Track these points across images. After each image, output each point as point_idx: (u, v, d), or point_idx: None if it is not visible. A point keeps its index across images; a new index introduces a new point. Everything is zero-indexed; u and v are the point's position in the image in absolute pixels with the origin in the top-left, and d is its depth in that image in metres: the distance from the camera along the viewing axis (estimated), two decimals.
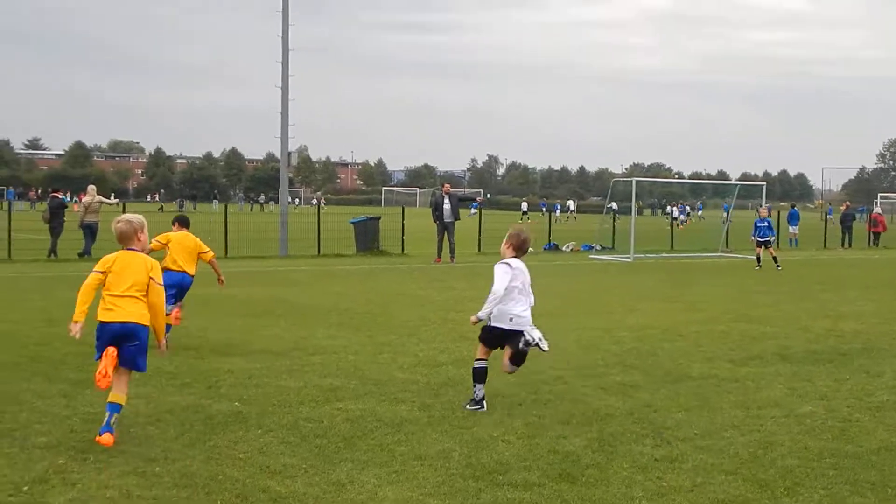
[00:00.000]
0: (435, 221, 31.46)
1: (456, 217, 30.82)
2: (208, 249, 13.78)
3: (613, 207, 46.08)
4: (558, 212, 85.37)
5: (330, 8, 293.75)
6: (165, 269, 12.06)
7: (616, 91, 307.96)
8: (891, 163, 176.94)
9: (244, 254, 32.03)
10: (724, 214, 44.99)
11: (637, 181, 37.32)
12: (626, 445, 8.15)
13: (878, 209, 52.58)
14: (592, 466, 7.54)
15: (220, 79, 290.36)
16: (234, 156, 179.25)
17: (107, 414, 8.02)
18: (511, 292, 9.66)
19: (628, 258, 32.55)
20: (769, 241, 28.75)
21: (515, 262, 9.82)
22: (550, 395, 10.14)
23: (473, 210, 76.94)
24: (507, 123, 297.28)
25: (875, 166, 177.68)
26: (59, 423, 8.60)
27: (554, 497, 6.81)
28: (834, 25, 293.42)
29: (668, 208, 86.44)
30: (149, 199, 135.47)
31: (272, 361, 11.87)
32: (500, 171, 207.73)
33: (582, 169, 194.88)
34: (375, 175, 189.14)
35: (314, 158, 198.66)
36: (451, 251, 30.45)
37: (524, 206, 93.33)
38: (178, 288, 13.18)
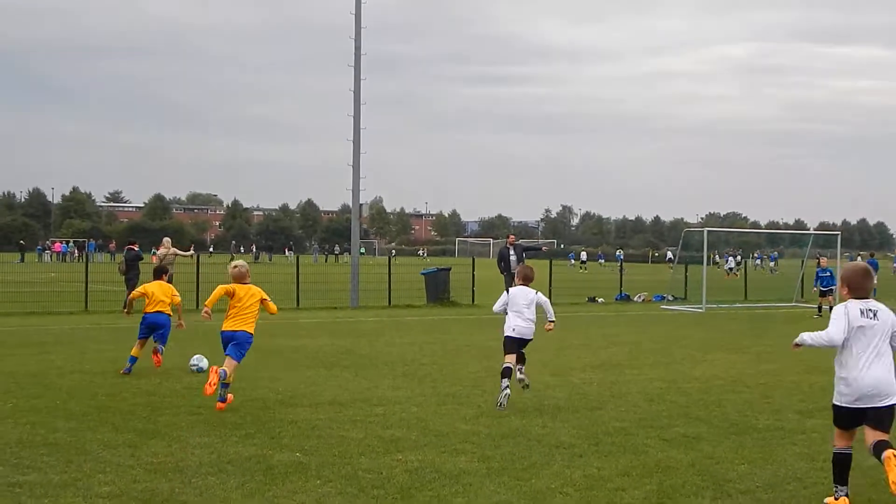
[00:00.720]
0: (502, 273, 31.66)
1: None
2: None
3: (669, 257, 45.53)
4: (572, 260, 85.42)
5: (406, 62, 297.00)
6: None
7: (694, 140, 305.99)
8: None
9: (316, 304, 32.30)
10: (803, 265, 44.31)
11: (709, 231, 37.00)
12: (685, 498, 8.07)
13: None
14: None
15: (300, 133, 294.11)
16: (309, 207, 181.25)
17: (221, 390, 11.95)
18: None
19: (700, 308, 32.24)
20: (831, 290, 28.49)
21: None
22: (612, 446, 10.07)
23: None
24: (581, 175, 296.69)
25: None
26: (122, 472, 8.75)
27: None
28: None
29: (718, 257, 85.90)
30: (231, 250, 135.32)
31: (336, 412, 11.95)
32: (574, 220, 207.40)
33: (657, 219, 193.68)
34: (449, 226, 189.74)
35: (388, 210, 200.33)
36: None
37: (583, 255, 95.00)
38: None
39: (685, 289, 38.71)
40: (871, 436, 7.86)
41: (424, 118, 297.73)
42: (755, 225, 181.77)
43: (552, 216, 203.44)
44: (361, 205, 34.89)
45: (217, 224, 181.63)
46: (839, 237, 38.29)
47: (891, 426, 8.00)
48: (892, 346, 8.24)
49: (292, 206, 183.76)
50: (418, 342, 20.54)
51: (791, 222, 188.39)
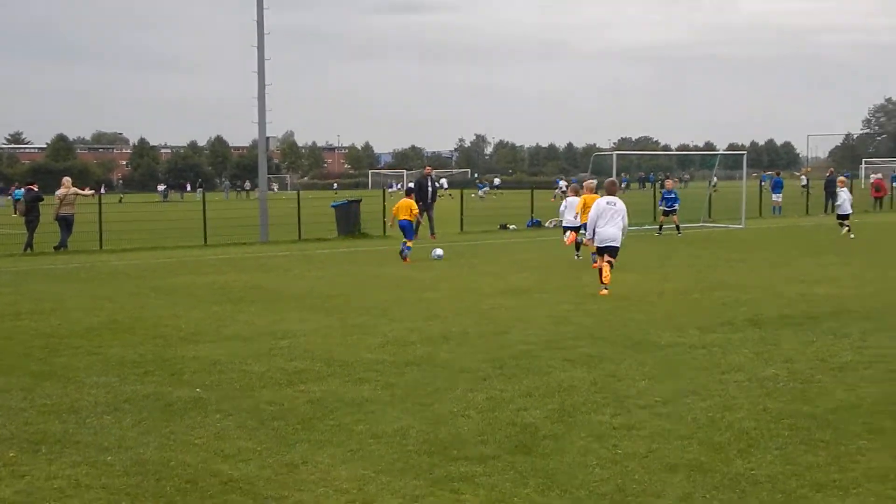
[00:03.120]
0: (418, 202, 31.61)
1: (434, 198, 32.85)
2: None
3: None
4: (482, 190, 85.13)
5: None
6: None
7: (605, 66, 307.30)
8: (876, 128, 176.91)
9: (225, 241, 31.85)
10: (710, 184, 44.93)
11: (618, 154, 37.21)
12: (585, 415, 8.15)
13: (878, 174, 52.74)
14: (549, 437, 7.54)
15: (206, 67, 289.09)
16: (219, 144, 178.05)
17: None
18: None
19: None
20: (675, 209, 30.65)
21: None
22: (516, 368, 10.13)
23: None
24: (495, 103, 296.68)
25: (861, 132, 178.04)
26: (13, 415, 8.57)
27: (507, 468, 6.80)
28: None
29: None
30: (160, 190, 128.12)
31: (239, 347, 11.83)
32: (488, 150, 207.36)
33: (570, 145, 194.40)
34: (363, 158, 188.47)
35: (301, 144, 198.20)
36: (432, 228, 31.95)
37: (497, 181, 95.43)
38: None
39: None
40: (606, 259, 16.24)
41: (336, 49, 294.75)
42: (666, 148, 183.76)
43: (466, 145, 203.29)
44: (268, 138, 34.46)
45: (124, 163, 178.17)
46: (745, 157, 38.94)
47: (614, 256, 16.43)
48: (622, 221, 16.63)
49: (201, 143, 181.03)
50: (328, 275, 20.40)
51: (701, 145, 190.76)
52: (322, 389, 9.38)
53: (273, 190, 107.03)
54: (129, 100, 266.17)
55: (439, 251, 24.11)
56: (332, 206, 34.46)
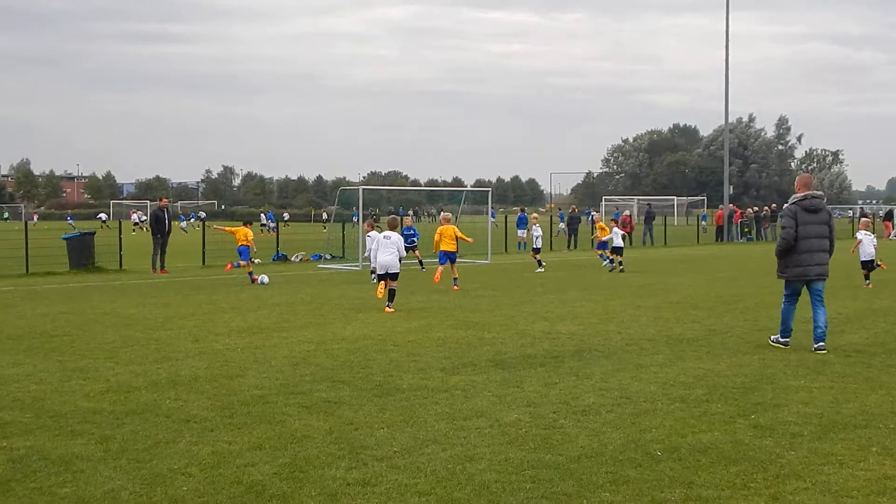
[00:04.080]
0: (154, 234, 30.64)
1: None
2: None
3: (324, 217, 45.62)
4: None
5: (56, 18, 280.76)
6: None
7: (358, 101, 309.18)
8: (614, 167, 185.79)
9: None
10: (455, 219, 45.45)
11: (365, 189, 36.99)
12: (318, 470, 7.51)
13: (627, 211, 55.05)
14: (277, 497, 6.86)
15: None
16: None
17: None
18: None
19: (357, 266, 32.12)
20: (414, 245, 30.80)
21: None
22: (247, 416, 9.39)
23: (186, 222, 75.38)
24: (242, 135, 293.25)
25: (600, 171, 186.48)
26: None
27: None
28: (564, 38, 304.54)
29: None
30: None
31: None
32: (237, 181, 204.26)
33: (319, 178, 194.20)
34: (104, 188, 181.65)
35: (38, 172, 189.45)
36: (163, 261, 31.17)
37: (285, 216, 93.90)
38: None
39: (343, 247, 38.59)
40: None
41: (78, 77, 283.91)
42: (416, 183, 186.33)
43: (213, 177, 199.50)
44: None
45: None
46: (489, 193, 39.72)
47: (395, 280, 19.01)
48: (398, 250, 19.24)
49: None
50: (52, 312, 18.93)
51: (449, 180, 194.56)
52: (26, 445, 8.35)
53: (6, 219, 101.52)
54: None
55: (265, 278, 25.43)
56: (64, 238, 32.55)
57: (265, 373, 11.79)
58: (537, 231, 31.49)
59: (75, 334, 15.65)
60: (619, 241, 30.58)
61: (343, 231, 40.19)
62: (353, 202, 36.12)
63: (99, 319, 17.72)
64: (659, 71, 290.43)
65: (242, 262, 26.41)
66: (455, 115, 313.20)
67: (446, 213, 27.51)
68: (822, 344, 13.39)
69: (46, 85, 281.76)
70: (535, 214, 34.50)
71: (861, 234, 24.67)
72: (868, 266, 23.89)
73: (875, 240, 24.78)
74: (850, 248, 24.99)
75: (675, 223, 77.21)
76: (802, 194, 13.41)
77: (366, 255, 26.36)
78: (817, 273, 13.42)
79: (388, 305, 18.59)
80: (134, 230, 50.78)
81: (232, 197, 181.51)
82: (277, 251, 37.57)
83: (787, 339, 13.82)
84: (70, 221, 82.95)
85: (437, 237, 25.23)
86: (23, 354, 13.57)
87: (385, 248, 19.29)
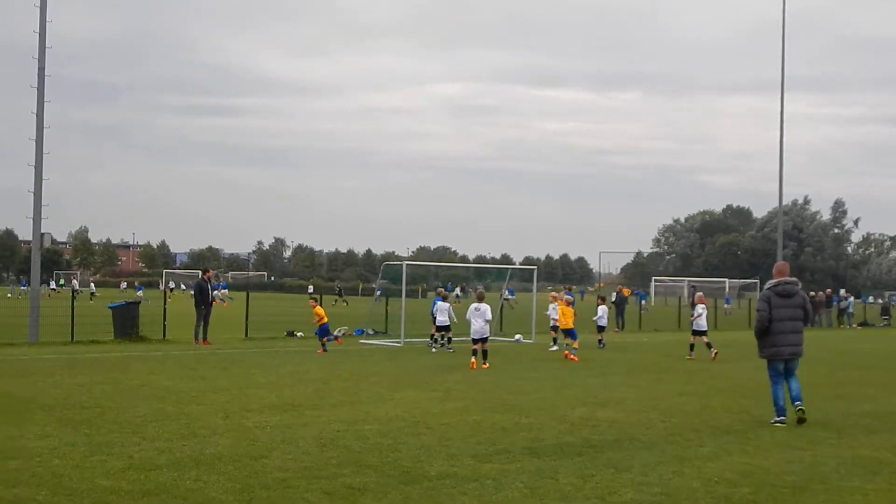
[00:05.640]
0: (198, 306, 30.63)
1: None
2: None
3: (377, 292, 45.46)
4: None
5: (120, 90, 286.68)
6: None
7: (409, 176, 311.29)
8: (665, 247, 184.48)
9: None
10: (501, 297, 45.02)
11: (409, 264, 36.77)
12: None
13: (700, 292, 54.50)
14: None
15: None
16: (7, 237, 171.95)
17: None
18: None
19: (399, 342, 31.73)
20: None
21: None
22: (266, 502, 8.97)
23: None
24: (296, 208, 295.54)
25: (651, 250, 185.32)
26: None
27: None
28: (619, 117, 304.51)
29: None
30: None
31: None
32: (287, 253, 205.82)
33: (369, 251, 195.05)
34: (158, 257, 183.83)
35: (94, 241, 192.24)
36: (206, 333, 30.96)
37: (310, 288, 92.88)
38: None
39: (385, 322, 38.23)
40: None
41: (136, 147, 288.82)
42: (464, 259, 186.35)
43: (265, 248, 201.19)
44: (44, 234, 32.56)
45: None
46: (535, 271, 39.29)
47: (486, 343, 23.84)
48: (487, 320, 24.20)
49: None
50: (89, 382, 18.71)
51: (498, 257, 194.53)
52: None
53: (61, 286, 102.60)
54: None
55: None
56: (109, 308, 32.61)
57: (291, 454, 11.38)
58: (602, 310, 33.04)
59: (107, 406, 15.38)
60: (604, 321, 33.02)
61: (387, 306, 39.86)
62: (399, 277, 35.79)
63: (134, 391, 17.46)
64: (713, 151, 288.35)
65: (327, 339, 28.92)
66: (505, 192, 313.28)
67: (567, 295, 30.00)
68: (798, 402, 14.83)
69: (106, 154, 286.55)
70: (601, 297, 36.30)
71: None
72: None
73: None
74: None
75: (727, 306, 76.08)
76: (776, 280, 14.84)
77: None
78: (790, 353, 14.77)
79: (484, 363, 23.25)
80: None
81: (282, 269, 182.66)
82: (320, 324, 37.27)
83: (783, 418, 14.67)
84: (140, 291, 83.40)
85: (561, 317, 28.14)
86: (52, 426, 13.31)
87: (476, 317, 23.94)
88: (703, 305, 29.55)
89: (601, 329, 32.69)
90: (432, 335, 30.71)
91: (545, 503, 9.12)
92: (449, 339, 29.70)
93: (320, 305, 29.40)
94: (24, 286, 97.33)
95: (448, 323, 29.68)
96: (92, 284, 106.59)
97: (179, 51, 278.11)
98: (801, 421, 14.65)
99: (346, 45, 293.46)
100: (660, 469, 10.92)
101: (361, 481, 9.91)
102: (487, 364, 23.18)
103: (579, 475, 10.45)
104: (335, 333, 35.24)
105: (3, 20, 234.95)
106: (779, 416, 14.69)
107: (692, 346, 28.33)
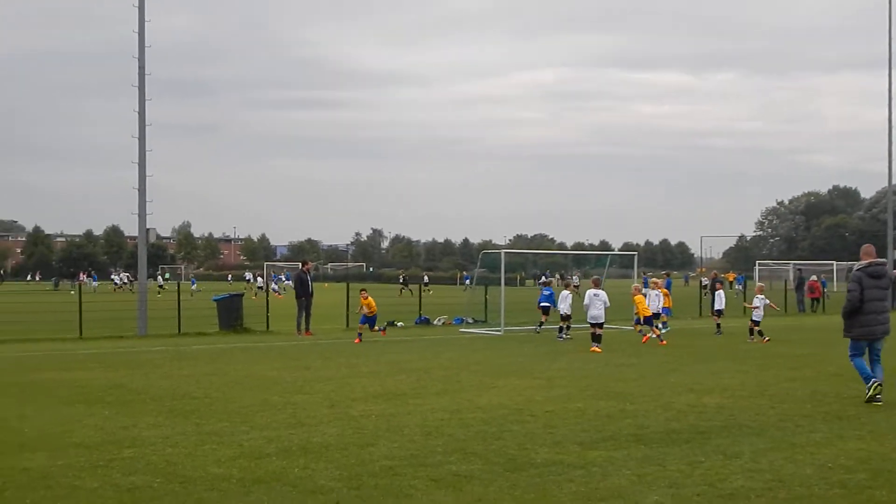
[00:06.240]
0: (298, 297, 31.12)
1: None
2: None
3: (467, 280, 45.58)
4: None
5: (218, 86, 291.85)
6: None
7: (504, 164, 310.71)
8: (769, 230, 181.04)
9: (101, 334, 30.50)
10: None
11: (507, 252, 36.83)
12: None
13: (814, 276, 53.73)
14: None
15: (106, 157, 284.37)
16: (114, 233, 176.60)
17: None
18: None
19: (499, 331, 31.77)
20: (546, 307, 31.50)
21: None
22: (374, 490, 9.06)
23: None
24: (392, 199, 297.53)
25: (754, 234, 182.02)
26: None
27: None
28: (718, 98, 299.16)
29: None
30: (28, 279, 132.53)
31: (78, 457, 10.62)
32: (385, 244, 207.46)
33: (466, 241, 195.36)
34: (258, 250, 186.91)
35: (197, 235, 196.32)
36: (308, 324, 31.40)
37: (401, 278, 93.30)
38: None
39: (485, 311, 38.34)
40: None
41: (236, 143, 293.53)
42: (562, 246, 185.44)
43: (363, 239, 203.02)
44: (149, 230, 33.40)
45: (19, 251, 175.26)
46: (635, 257, 38.80)
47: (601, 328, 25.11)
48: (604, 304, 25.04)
49: (97, 233, 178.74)
50: (197, 374, 19.15)
51: (596, 243, 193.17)
52: None
53: (167, 280, 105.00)
54: (24, 188, 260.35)
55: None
56: (214, 300, 33.29)
57: (397, 442, 11.49)
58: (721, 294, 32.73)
59: (215, 396, 15.71)
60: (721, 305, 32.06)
61: (486, 294, 39.93)
62: (496, 265, 35.84)
63: (240, 381, 17.81)
64: (817, 131, 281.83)
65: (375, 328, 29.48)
66: (602, 177, 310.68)
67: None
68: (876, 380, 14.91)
69: (206, 150, 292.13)
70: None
71: None
72: None
73: None
74: None
75: (835, 289, 74.32)
76: (867, 261, 14.98)
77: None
78: (882, 332, 14.99)
79: (596, 346, 24.32)
80: (255, 295, 52.01)
81: (380, 259, 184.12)
82: (420, 314, 37.56)
83: (875, 381, 14.87)
84: (279, 279, 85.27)
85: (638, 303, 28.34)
86: (163, 416, 13.65)
87: (594, 303, 24.97)
88: (760, 297, 28.83)
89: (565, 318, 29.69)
90: (541, 323, 31.15)
91: (653, 490, 9.04)
92: (568, 326, 29.52)
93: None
94: (95, 281, 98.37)
95: (570, 312, 29.64)
96: (160, 277, 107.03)
97: (272, 46, 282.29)
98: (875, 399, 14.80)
99: (437, 34, 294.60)
100: (771, 455, 10.72)
101: (467, 469, 9.96)
102: (600, 348, 24.16)
103: (687, 462, 10.33)
104: (435, 322, 35.46)
105: (105, 22, 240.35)
106: (870, 383, 14.87)
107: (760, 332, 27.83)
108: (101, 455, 10.73)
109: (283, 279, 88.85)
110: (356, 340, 27.73)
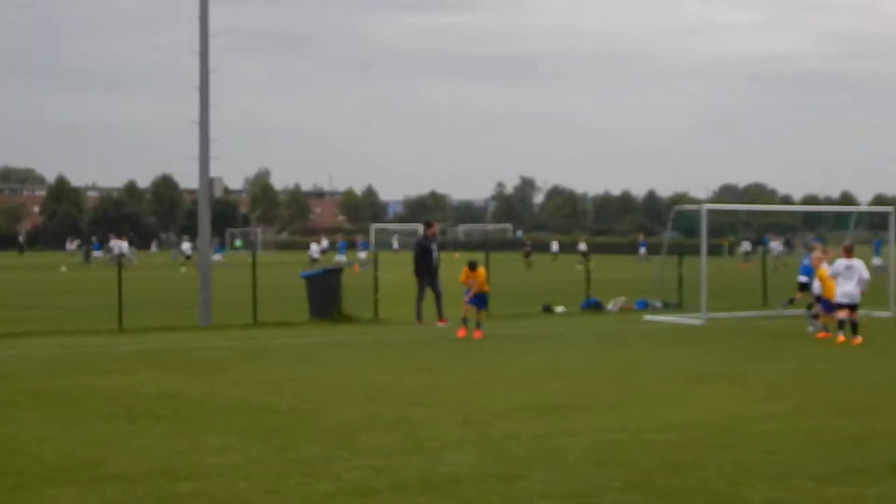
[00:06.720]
0: (416, 274, 30.81)
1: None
2: None
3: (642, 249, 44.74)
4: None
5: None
6: None
7: (705, 85, 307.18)
8: None
9: (149, 324, 31.11)
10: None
11: (709, 209, 36.01)
12: None
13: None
14: None
15: (153, 85, 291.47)
16: (165, 185, 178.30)
17: None
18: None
19: (698, 319, 31.46)
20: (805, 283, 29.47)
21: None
22: None
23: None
24: (547, 136, 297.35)
25: None
26: None
27: None
28: None
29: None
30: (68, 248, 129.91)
31: (118, 492, 10.98)
32: (538, 198, 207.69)
33: (651, 194, 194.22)
34: (363, 208, 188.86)
35: (279, 187, 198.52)
36: (440, 309, 30.95)
37: (580, 246, 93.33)
38: None
39: (679, 292, 37.98)
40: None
41: (333, 59, 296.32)
42: (786, 200, 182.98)
43: (507, 192, 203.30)
44: (212, 179, 33.88)
45: (36, 210, 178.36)
46: (892, 214, 37.33)
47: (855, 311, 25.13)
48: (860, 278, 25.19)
49: (143, 185, 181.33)
50: (278, 378, 19.51)
51: (836, 196, 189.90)
52: None
53: (238, 248, 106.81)
54: (44, 126, 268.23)
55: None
56: (302, 276, 33.67)
57: (557, 474, 11.55)
58: None
59: (304, 410, 15.99)
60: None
61: (680, 268, 39.54)
62: (696, 227, 35.38)
63: (338, 390, 18.10)
64: None
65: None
66: (847, 106, 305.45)
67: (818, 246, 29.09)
68: None
69: (290, 72, 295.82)
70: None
71: None
72: None
73: None
74: None
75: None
76: None
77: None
78: None
79: (855, 337, 24.30)
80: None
81: (532, 219, 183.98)
82: (588, 296, 37.49)
83: None
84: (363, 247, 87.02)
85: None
86: (234, 436, 13.93)
87: (846, 277, 24.99)
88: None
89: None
90: (809, 305, 29.31)
91: None
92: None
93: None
94: (96, 250, 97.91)
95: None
96: (184, 245, 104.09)
97: None
98: None
99: None
100: None
101: None
102: (860, 338, 24.27)
103: None
104: (609, 307, 35.34)
105: None
106: None
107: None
108: (149, 490, 11.04)
109: (360, 248, 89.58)
110: (459, 332, 27.13)
